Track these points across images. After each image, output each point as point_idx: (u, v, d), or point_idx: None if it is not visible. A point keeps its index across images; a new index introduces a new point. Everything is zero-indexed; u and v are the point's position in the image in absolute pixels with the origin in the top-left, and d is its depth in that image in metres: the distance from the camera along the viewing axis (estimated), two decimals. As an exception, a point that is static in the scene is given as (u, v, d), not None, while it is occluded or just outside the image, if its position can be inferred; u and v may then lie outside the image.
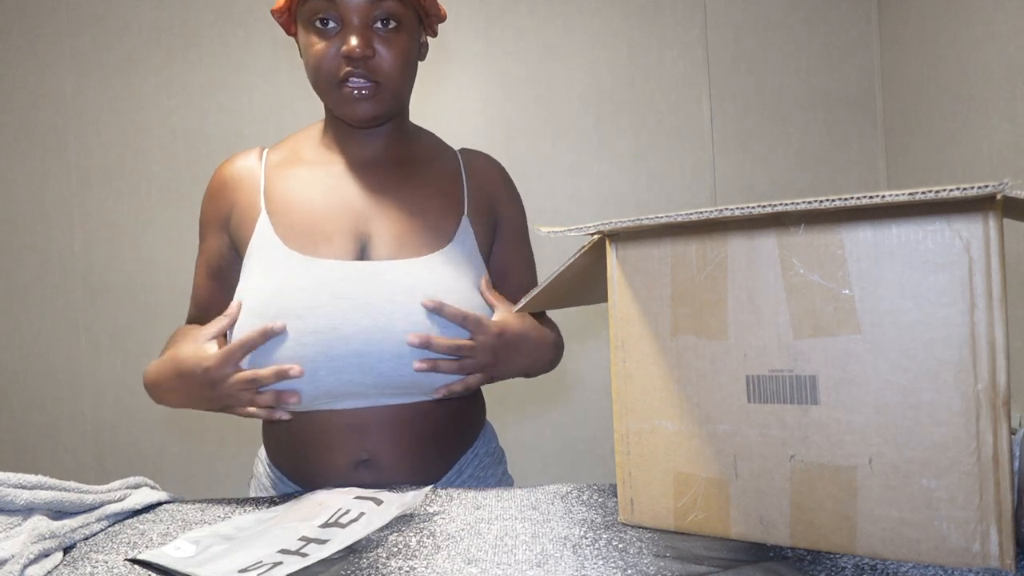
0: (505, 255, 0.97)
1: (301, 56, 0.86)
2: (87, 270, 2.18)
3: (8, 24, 2.18)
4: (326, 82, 0.83)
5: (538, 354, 0.89)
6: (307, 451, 0.84)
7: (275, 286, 0.80)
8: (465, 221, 0.90)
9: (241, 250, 0.88)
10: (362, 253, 0.84)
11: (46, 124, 2.19)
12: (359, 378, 0.78)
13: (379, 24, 0.81)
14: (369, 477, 0.82)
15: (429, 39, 0.91)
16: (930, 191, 0.45)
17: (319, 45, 0.81)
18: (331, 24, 0.81)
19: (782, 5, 2.07)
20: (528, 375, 0.92)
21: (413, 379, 0.80)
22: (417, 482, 0.85)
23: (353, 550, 0.60)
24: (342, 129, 0.90)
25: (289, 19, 0.86)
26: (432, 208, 0.89)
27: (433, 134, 0.99)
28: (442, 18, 0.89)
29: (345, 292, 0.79)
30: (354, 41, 0.79)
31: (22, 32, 2.18)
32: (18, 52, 2.18)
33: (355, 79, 0.82)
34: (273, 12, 0.85)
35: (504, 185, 0.98)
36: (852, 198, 0.47)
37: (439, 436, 0.87)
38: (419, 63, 0.92)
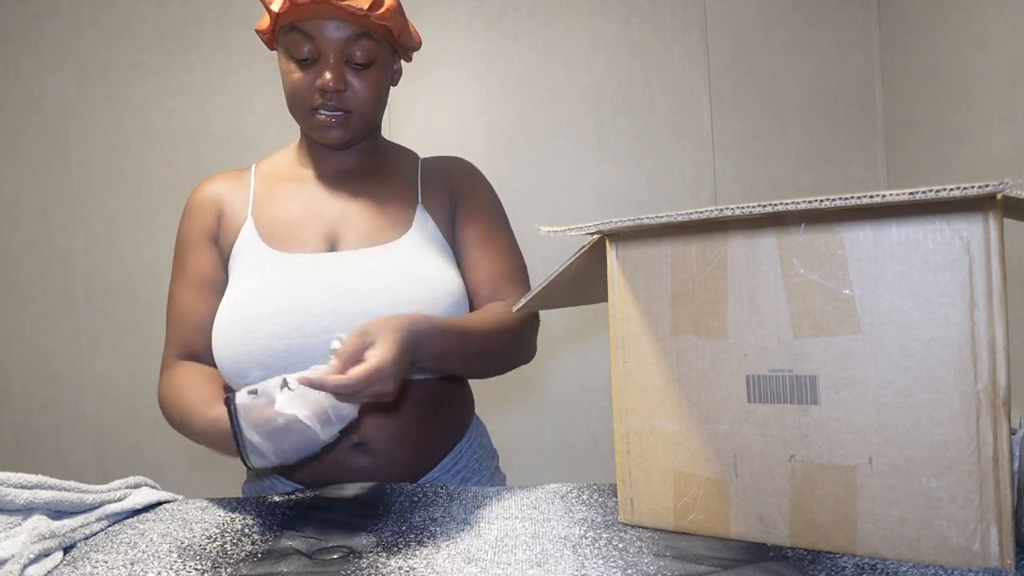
0: (466, 236, 0.96)
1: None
2: (87, 270, 2.18)
3: (9, 25, 2.18)
4: (300, 109, 0.89)
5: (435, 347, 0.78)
6: None
7: (255, 277, 0.86)
8: (420, 208, 0.94)
9: (225, 254, 0.93)
10: (332, 250, 0.90)
11: (47, 125, 2.18)
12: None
13: (354, 59, 0.86)
14: (364, 462, 0.84)
15: (416, 48, 0.97)
16: (930, 191, 0.45)
17: (296, 74, 0.87)
18: (308, 56, 0.85)
19: (782, 5, 2.07)
20: (470, 370, 0.92)
21: None
22: (414, 467, 0.86)
23: (353, 550, 0.60)
24: (316, 145, 0.95)
25: (272, 39, 0.91)
26: (390, 203, 0.94)
27: (406, 149, 1.03)
28: (417, 47, 0.94)
29: (315, 279, 0.85)
30: (328, 76, 0.84)
31: (23, 33, 2.18)
32: (19, 53, 2.18)
33: (327, 110, 0.87)
34: (257, 31, 0.91)
35: (461, 175, 1.00)
36: (852, 198, 0.47)
37: (428, 418, 0.89)
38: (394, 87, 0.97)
